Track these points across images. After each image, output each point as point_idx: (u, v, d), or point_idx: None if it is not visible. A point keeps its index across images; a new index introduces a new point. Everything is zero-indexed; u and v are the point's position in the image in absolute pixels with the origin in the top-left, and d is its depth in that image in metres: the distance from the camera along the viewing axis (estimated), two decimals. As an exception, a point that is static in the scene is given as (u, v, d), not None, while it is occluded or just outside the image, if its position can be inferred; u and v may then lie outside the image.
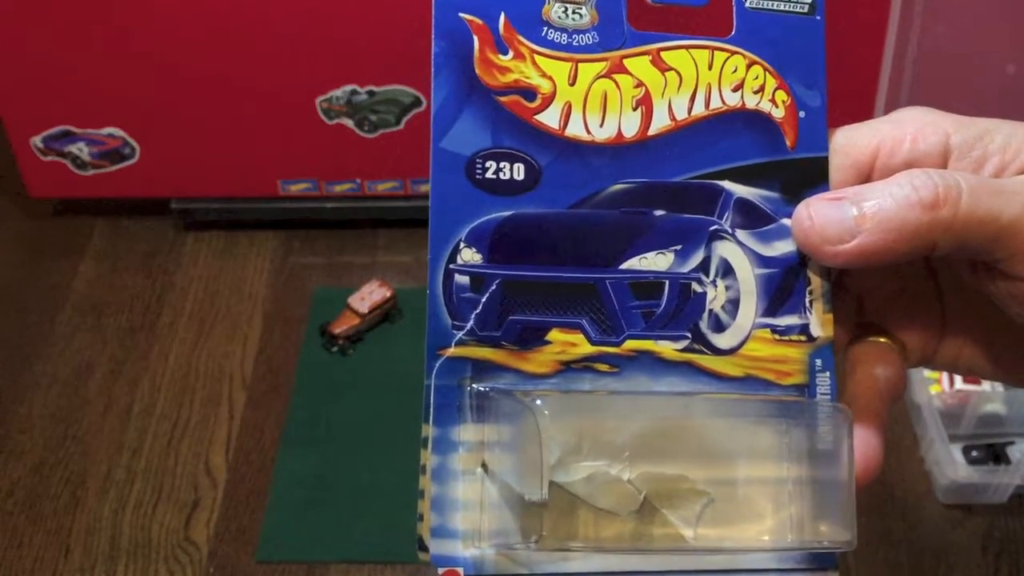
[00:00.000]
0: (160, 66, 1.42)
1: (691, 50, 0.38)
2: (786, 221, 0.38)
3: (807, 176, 0.38)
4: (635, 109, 0.37)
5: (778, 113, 0.38)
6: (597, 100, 0.37)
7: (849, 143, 0.38)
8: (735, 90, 0.38)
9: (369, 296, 1.45)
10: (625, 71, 0.37)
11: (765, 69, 0.38)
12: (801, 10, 0.38)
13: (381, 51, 1.40)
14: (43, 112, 1.47)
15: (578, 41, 0.37)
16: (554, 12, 0.37)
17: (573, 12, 0.37)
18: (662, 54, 0.37)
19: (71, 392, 1.40)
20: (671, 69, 0.37)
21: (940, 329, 0.42)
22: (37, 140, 1.49)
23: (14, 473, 1.32)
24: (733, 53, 0.38)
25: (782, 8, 0.38)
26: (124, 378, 1.42)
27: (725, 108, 0.38)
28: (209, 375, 1.42)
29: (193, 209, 1.58)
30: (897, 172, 0.37)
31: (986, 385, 1.32)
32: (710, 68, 0.38)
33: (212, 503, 1.29)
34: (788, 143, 0.38)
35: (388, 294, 1.45)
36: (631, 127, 0.37)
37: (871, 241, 0.36)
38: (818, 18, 0.38)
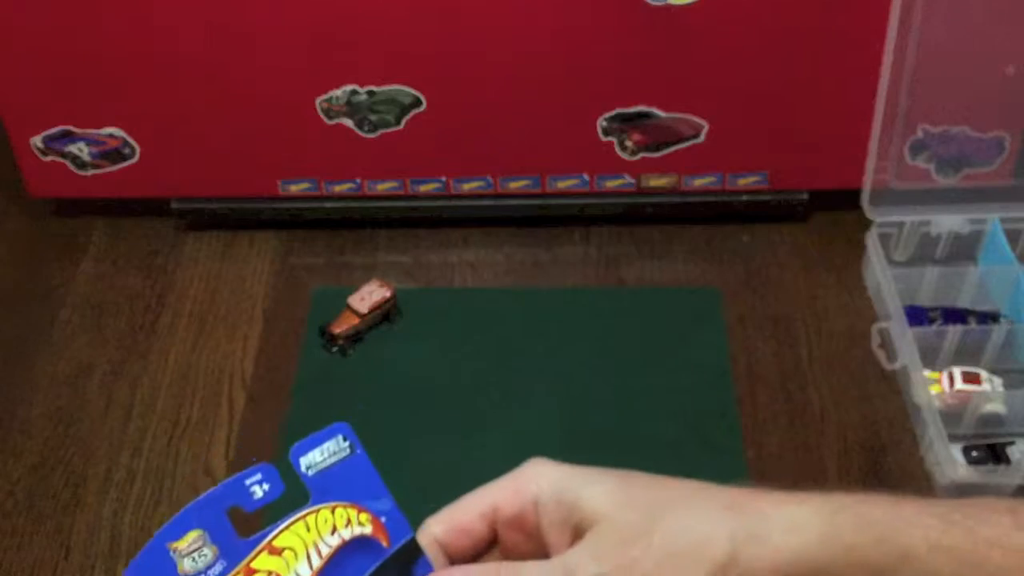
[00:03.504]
0: (160, 66, 1.42)
1: (290, 527, 0.47)
2: None
3: (408, 558, 0.48)
4: None
5: (368, 529, 0.48)
6: None
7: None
8: (333, 533, 0.47)
9: (369, 296, 1.45)
10: (255, 571, 0.46)
11: (344, 507, 0.48)
12: (345, 454, 0.49)
13: (381, 51, 1.40)
14: (43, 112, 1.47)
15: (214, 573, 0.46)
16: (187, 565, 0.46)
17: (199, 556, 0.46)
18: (273, 543, 0.47)
19: (71, 392, 1.40)
20: (285, 549, 0.47)
21: None
22: (37, 140, 1.49)
23: (14, 473, 1.32)
24: (319, 510, 0.48)
25: (332, 461, 0.49)
26: (124, 378, 1.42)
27: (332, 549, 0.47)
28: (209, 375, 1.42)
29: (193, 209, 1.58)
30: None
31: (986, 385, 1.32)
32: (308, 530, 0.47)
33: (212, 503, 1.28)
34: (384, 544, 0.48)
35: (388, 294, 1.45)
36: None
37: None
38: (359, 452, 0.49)
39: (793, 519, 0.46)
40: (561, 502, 0.47)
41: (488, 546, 0.50)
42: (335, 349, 1.43)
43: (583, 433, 1.32)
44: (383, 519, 0.48)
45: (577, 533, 0.47)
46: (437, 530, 0.49)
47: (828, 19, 1.35)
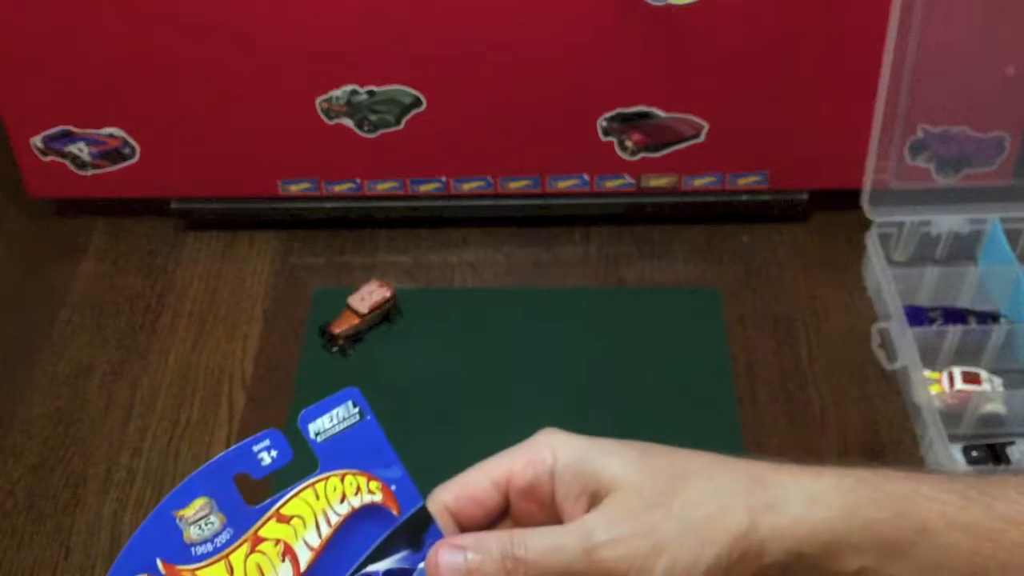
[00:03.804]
0: (160, 66, 1.42)
1: (299, 495, 0.47)
2: (422, 566, 0.47)
3: (418, 526, 0.47)
4: (284, 560, 0.46)
5: (378, 497, 0.47)
6: (255, 574, 0.46)
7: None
8: (342, 501, 0.47)
9: (369, 296, 1.45)
10: (263, 539, 0.46)
11: (355, 475, 0.47)
12: (355, 420, 0.48)
13: (381, 51, 1.40)
14: (43, 112, 1.47)
15: (220, 541, 0.46)
16: (193, 532, 0.46)
17: (205, 524, 0.46)
18: (281, 510, 0.47)
19: (71, 392, 1.40)
20: (293, 517, 0.47)
21: None
22: (37, 140, 1.49)
23: (14, 473, 1.32)
24: (328, 478, 0.47)
25: (342, 427, 0.48)
26: (124, 378, 1.42)
27: (342, 518, 0.47)
28: (209, 375, 1.42)
29: (193, 209, 1.58)
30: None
31: (986, 385, 1.32)
32: (317, 498, 0.47)
33: (212, 503, 1.28)
34: (395, 512, 0.47)
35: (388, 294, 1.45)
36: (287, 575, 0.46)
37: None
38: (369, 418, 0.48)
39: (812, 491, 0.46)
40: (580, 472, 0.46)
41: (500, 516, 0.49)
42: (335, 349, 1.43)
43: (583, 433, 1.32)
44: (393, 487, 0.48)
45: (593, 502, 0.46)
46: (447, 498, 0.48)
47: (828, 19, 1.36)
